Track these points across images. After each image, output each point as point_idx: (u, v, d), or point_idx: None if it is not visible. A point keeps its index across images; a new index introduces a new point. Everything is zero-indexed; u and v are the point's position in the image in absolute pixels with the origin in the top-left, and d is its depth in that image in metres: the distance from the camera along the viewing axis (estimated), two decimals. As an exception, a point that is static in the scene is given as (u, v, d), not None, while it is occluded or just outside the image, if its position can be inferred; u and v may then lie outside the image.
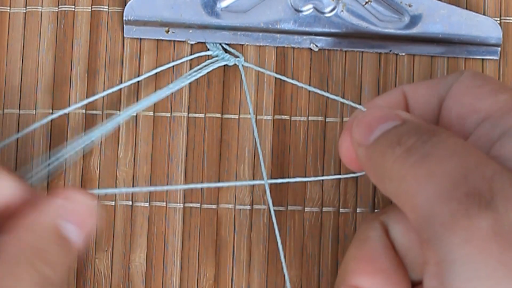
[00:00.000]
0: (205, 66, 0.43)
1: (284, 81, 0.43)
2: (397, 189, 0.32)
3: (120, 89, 0.43)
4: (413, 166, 0.31)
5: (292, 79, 0.43)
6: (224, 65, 0.43)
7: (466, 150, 0.31)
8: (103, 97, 0.43)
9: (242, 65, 0.43)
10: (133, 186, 0.43)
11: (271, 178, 0.43)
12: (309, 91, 0.43)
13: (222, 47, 0.43)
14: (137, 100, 0.43)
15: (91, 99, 0.43)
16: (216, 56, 0.43)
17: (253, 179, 0.43)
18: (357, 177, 0.42)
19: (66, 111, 0.43)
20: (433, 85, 0.37)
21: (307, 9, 0.43)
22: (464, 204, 0.29)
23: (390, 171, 0.32)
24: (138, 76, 0.43)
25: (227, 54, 0.43)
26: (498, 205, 0.29)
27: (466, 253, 0.29)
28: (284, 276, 0.41)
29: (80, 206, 0.35)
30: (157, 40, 0.43)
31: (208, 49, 0.43)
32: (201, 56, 0.43)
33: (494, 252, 0.29)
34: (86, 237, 0.35)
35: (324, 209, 0.42)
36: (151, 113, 0.43)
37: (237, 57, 0.43)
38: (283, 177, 0.42)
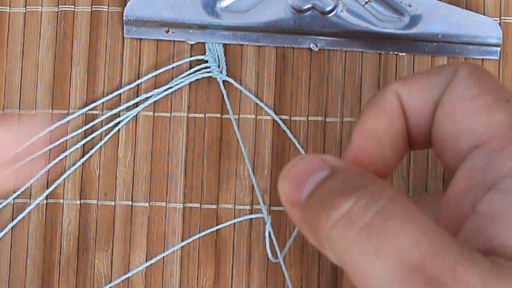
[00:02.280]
0: (189, 74, 0.43)
1: (283, 80, 0.43)
2: (341, 260, 0.28)
3: (120, 89, 0.43)
4: (356, 239, 0.27)
5: (292, 79, 0.43)
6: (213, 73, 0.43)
7: (419, 224, 0.27)
8: (103, 97, 0.43)
9: (224, 81, 0.43)
10: (132, 186, 0.43)
11: (271, 178, 0.42)
12: (309, 90, 0.43)
13: (223, 46, 0.43)
14: (137, 97, 0.43)
15: (91, 106, 0.43)
16: (207, 61, 0.43)
17: (253, 179, 0.42)
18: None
19: (64, 121, 0.43)
20: (427, 85, 0.33)
21: (307, 9, 0.43)
22: None
23: (329, 239, 0.28)
24: (138, 76, 0.43)
25: (215, 64, 0.43)
26: None
27: None
28: (284, 276, 0.41)
29: None
30: (157, 40, 0.43)
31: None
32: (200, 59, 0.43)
33: None
34: None
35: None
36: (151, 113, 0.43)
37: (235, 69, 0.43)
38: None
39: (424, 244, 0.27)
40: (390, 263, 0.27)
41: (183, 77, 0.43)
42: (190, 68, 0.43)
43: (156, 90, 0.43)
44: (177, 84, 0.43)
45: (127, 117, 0.43)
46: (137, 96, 0.43)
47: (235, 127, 0.42)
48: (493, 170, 0.29)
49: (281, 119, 0.43)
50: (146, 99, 0.43)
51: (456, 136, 0.31)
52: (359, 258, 0.27)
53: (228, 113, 0.43)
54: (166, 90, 0.43)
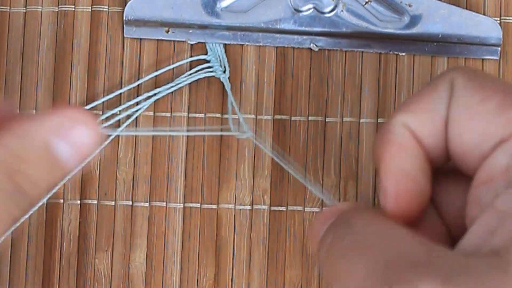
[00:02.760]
0: (191, 74, 0.43)
1: (284, 80, 0.43)
2: (330, 279, 0.31)
3: (121, 89, 0.43)
4: (337, 258, 0.30)
5: (292, 79, 0.43)
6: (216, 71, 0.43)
7: (386, 240, 0.30)
8: (104, 96, 0.43)
9: (228, 80, 0.43)
10: (133, 186, 0.43)
11: (271, 178, 0.42)
12: (309, 90, 0.43)
13: (223, 46, 0.43)
14: (137, 98, 0.43)
15: (92, 104, 0.43)
16: (210, 61, 0.43)
17: (253, 179, 0.42)
18: (357, 176, 0.42)
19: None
20: (431, 106, 0.33)
21: (307, 9, 0.43)
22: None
23: (324, 265, 0.32)
24: (138, 76, 0.43)
25: (218, 64, 0.43)
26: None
27: None
28: (284, 275, 0.41)
29: (79, 127, 0.31)
30: (157, 40, 0.43)
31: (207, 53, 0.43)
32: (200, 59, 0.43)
33: None
34: (79, 161, 0.31)
35: (325, 209, 0.42)
36: (151, 113, 0.43)
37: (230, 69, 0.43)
38: (283, 179, 0.42)
39: (389, 251, 0.29)
40: (360, 271, 0.29)
41: (185, 77, 0.43)
42: (191, 69, 0.43)
43: (159, 89, 0.43)
44: (179, 83, 0.43)
45: (128, 115, 0.43)
46: (137, 96, 0.43)
47: (244, 125, 0.42)
48: None
49: (281, 119, 0.43)
50: (148, 97, 0.43)
51: (476, 144, 0.31)
52: (338, 274, 0.30)
53: (228, 113, 0.43)
54: (168, 88, 0.43)
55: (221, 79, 0.43)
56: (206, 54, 0.43)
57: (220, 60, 0.43)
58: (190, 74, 0.43)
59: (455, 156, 0.33)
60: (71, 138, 0.30)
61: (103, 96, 0.43)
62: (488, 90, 0.31)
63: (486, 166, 0.31)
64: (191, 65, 0.43)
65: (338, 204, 0.34)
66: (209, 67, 0.43)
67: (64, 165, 0.31)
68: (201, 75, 0.43)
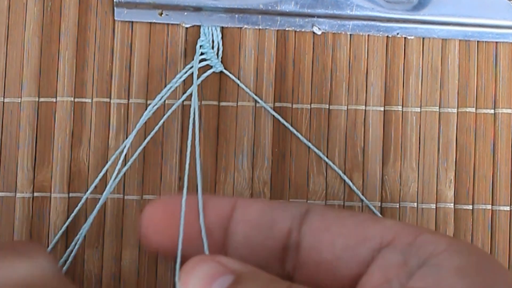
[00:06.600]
0: (186, 72, 0.41)
1: (285, 65, 0.42)
2: None
3: (111, 76, 0.42)
4: None
5: (293, 64, 0.42)
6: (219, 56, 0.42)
7: None
8: (93, 84, 0.41)
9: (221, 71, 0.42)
10: (124, 179, 0.41)
11: (272, 171, 0.41)
12: (312, 76, 0.41)
13: (220, 30, 0.41)
14: (128, 87, 0.41)
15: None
16: (206, 54, 0.41)
17: (253, 170, 0.41)
18: (363, 167, 0.41)
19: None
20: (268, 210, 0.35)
21: (310, -11, 0.41)
22: None
23: None
24: (130, 61, 0.42)
25: (211, 50, 0.41)
26: None
27: None
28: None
29: None
30: (150, 23, 0.42)
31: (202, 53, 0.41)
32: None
33: None
34: None
35: (329, 202, 0.41)
36: (144, 101, 0.41)
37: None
38: (284, 170, 0.41)
39: None
40: None
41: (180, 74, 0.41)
42: (185, 53, 0.42)
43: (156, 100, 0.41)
44: (171, 87, 0.41)
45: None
46: (128, 85, 0.41)
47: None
48: (414, 257, 0.31)
49: (282, 107, 0.41)
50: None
51: (352, 248, 0.33)
52: None
53: (226, 101, 0.41)
54: (160, 99, 0.41)
55: (216, 70, 0.41)
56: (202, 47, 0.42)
57: (214, 46, 0.41)
58: (185, 73, 0.41)
59: (316, 262, 0.34)
60: None
61: (93, 84, 0.41)
62: (349, 211, 0.35)
63: (377, 266, 0.32)
64: (186, 49, 0.42)
65: (221, 258, 0.32)
66: (202, 53, 0.41)
67: None
68: (193, 69, 0.41)
